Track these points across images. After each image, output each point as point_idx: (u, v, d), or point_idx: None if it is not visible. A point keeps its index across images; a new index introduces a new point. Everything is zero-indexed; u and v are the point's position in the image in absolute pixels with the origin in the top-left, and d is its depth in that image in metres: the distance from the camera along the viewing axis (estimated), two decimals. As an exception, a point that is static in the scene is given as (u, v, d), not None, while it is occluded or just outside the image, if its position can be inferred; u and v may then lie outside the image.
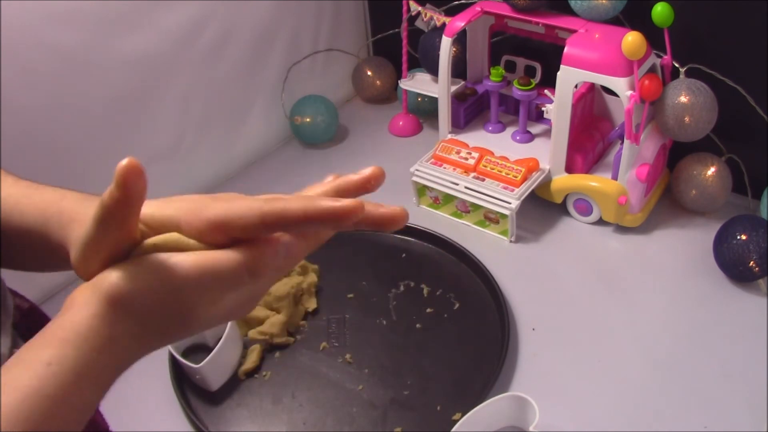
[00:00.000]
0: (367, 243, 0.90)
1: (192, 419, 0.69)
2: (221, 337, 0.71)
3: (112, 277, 0.35)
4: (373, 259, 0.88)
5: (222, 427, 0.70)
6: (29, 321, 0.49)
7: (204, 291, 0.36)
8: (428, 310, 0.81)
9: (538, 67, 0.97)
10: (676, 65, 0.84)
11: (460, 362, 0.75)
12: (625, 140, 0.83)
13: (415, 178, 0.94)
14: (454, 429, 0.63)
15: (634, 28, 0.80)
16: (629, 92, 0.79)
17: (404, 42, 1.06)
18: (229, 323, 0.68)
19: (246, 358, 0.75)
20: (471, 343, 0.77)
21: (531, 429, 0.62)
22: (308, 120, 1.08)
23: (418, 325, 0.79)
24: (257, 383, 0.74)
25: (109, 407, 0.44)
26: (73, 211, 0.43)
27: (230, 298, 0.37)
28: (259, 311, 0.77)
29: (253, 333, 0.76)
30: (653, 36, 0.81)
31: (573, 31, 0.84)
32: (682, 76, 0.84)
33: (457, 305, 0.81)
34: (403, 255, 0.88)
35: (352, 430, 0.69)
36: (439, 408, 0.70)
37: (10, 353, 0.43)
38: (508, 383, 0.71)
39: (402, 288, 0.83)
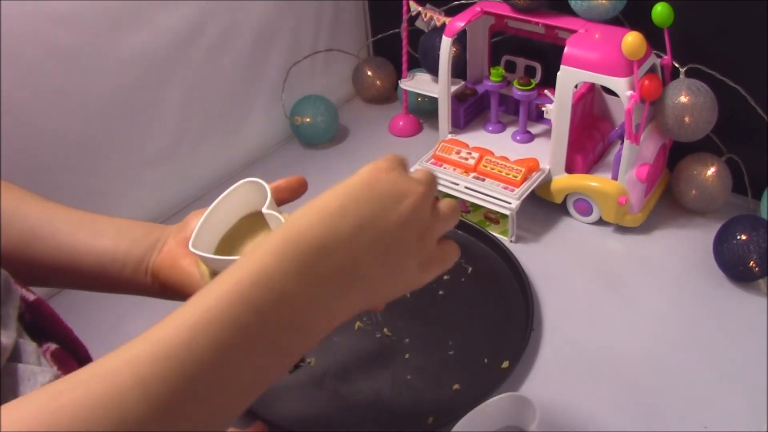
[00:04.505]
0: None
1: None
2: None
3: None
4: None
5: (271, 409, 0.70)
6: (35, 313, 0.49)
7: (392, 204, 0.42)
8: (445, 277, 0.84)
9: (538, 67, 0.97)
10: (676, 65, 0.84)
11: (491, 315, 0.79)
12: (625, 140, 0.83)
13: (415, 178, 0.94)
14: (453, 429, 0.63)
15: (634, 28, 0.80)
16: (629, 92, 0.79)
17: (404, 42, 1.06)
18: None
19: None
20: (495, 297, 0.82)
21: (531, 429, 0.62)
22: (308, 120, 1.08)
23: (440, 292, 0.83)
24: (303, 371, 0.75)
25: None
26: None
27: (415, 231, 0.43)
28: None
29: None
30: (653, 36, 0.81)
31: (573, 31, 0.84)
32: (682, 76, 0.84)
33: (470, 269, 0.85)
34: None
35: (413, 395, 0.71)
36: (486, 360, 0.74)
37: (15, 345, 0.43)
38: (509, 383, 0.71)
39: None
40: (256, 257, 0.39)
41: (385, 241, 0.42)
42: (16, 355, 0.44)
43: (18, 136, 0.75)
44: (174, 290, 0.57)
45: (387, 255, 0.43)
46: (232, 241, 0.58)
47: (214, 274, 0.54)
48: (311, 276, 0.40)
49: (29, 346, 0.45)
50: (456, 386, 0.71)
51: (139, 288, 0.58)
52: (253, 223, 0.58)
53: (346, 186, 0.43)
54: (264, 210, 0.54)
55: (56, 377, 0.44)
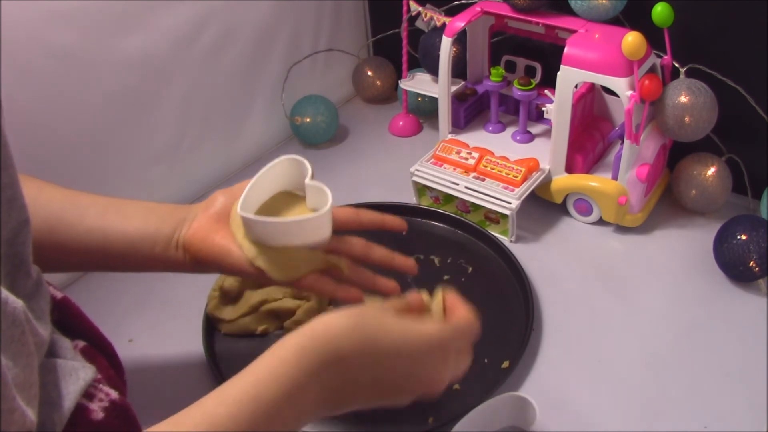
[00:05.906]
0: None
1: None
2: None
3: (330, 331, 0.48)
4: (377, 241, 0.88)
5: None
6: (62, 311, 0.50)
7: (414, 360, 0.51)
8: (445, 277, 0.84)
9: (538, 67, 0.97)
10: (676, 65, 0.84)
11: (491, 315, 0.78)
12: (625, 140, 0.83)
13: (415, 178, 0.94)
14: (453, 429, 0.63)
15: (634, 28, 0.80)
16: (629, 92, 0.79)
17: (404, 42, 1.06)
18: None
19: None
20: (495, 296, 0.82)
21: (531, 429, 0.62)
22: (308, 120, 1.08)
23: None
24: None
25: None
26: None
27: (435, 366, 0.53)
28: (288, 302, 0.78)
29: (288, 324, 0.77)
30: (653, 36, 0.81)
31: (573, 31, 0.84)
32: (682, 76, 0.84)
33: (470, 269, 0.86)
34: (403, 233, 0.89)
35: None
36: (486, 360, 0.74)
37: (50, 340, 0.44)
38: (509, 383, 0.71)
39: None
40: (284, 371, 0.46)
41: (389, 389, 0.53)
42: (53, 351, 0.45)
43: (17, 136, 0.75)
44: (207, 263, 0.58)
45: (386, 397, 0.53)
46: (267, 214, 0.61)
47: (253, 242, 0.57)
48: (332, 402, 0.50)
49: (65, 342, 0.46)
50: (456, 386, 0.71)
51: (170, 264, 0.59)
52: (287, 200, 0.62)
53: (404, 341, 0.51)
54: (307, 181, 0.57)
55: (96, 374, 0.45)
